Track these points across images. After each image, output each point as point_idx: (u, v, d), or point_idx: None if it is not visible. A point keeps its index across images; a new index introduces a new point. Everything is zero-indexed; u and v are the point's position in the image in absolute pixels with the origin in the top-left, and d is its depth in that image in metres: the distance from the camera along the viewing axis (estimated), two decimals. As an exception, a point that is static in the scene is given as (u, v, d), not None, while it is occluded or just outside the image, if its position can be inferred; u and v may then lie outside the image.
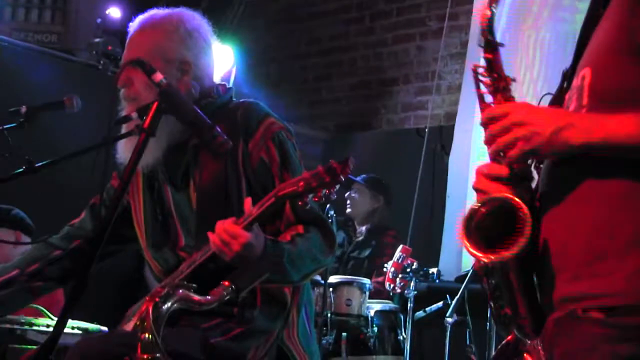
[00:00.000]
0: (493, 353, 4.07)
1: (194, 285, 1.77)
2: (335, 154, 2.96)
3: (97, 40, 5.15)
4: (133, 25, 2.35)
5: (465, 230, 1.44)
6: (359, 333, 4.56)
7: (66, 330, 2.22)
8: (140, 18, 2.35)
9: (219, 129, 2.01)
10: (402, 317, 4.68)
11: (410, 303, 4.48)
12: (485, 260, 1.41)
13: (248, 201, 2.06)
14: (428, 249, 5.42)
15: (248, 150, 2.27)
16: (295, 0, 7.17)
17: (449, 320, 4.22)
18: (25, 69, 4.67)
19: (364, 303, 4.61)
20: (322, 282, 4.45)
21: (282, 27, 7.21)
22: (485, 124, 1.46)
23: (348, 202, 5.35)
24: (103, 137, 2.01)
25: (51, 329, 2.34)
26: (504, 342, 1.65)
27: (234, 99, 2.41)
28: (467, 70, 5.49)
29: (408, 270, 4.42)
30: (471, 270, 4.21)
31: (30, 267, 2.40)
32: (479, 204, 1.45)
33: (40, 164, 2.08)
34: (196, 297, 1.72)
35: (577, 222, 1.41)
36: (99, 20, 5.33)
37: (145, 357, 1.64)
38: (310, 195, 1.98)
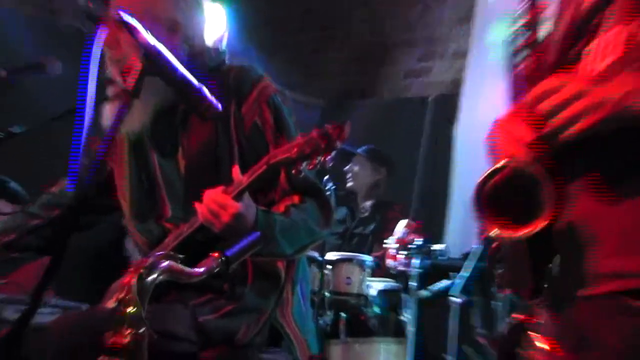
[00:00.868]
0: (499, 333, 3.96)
1: (182, 256, 1.68)
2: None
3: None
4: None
5: (481, 200, 1.40)
6: (358, 313, 4.50)
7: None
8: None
9: (207, 92, 1.99)
10: (404, 296, 4.58)
11: (414, 282, 4.37)
12: (513, 236, 1.37)
13: (236, 169, 2.03)
14: (431, 224, 5.32)
15: (241, 114, 2.23)
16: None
17: (457, 300, 4.06)
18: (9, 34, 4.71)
19: (364, 281, 4.55)
20: (320, 258, 4.39)
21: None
22: (536, 102, 1.37)
23: (349, 175, 5.30)
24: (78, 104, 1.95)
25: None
26: (514, 322, 1.59)
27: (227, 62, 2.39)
28: (475, 35, 5.43)
29: (410, 246, 4.34)
30: (482, 247, 4.05)
31: (5, 238, 2.42)
32: (501, 166, 1.39)
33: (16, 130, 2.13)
34: (184, 268, 1.64)
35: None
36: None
37: (129, 332, 1.55)
38: (305, 163, 1.96)
